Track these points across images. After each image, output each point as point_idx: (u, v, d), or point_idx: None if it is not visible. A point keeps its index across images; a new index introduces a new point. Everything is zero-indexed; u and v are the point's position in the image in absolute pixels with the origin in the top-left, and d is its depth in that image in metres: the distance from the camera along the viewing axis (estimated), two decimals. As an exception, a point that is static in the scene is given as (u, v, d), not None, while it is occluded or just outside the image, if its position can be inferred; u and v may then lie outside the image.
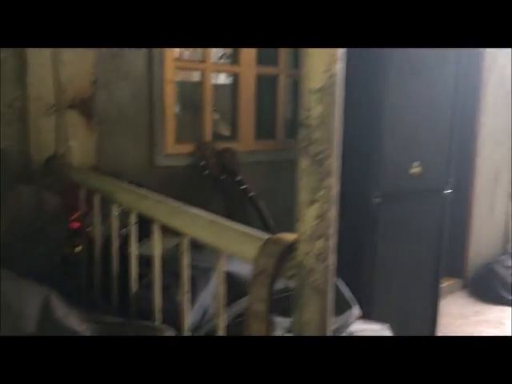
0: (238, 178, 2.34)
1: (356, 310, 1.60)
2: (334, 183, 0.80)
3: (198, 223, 1.12)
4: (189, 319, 1.30)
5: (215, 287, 1.61)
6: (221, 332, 1.12)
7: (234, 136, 2.72)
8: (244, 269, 1.62)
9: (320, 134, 0.77)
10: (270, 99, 2.86)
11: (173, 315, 1.44)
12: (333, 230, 0.81)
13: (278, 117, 2.86)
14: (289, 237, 0.88)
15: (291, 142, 2.87)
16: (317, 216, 0.79)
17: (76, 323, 1.28)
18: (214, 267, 1.66)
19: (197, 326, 1.47)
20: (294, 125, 2.98)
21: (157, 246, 1.35)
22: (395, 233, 2.48)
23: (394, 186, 2.44)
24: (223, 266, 1.09)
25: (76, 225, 1.80)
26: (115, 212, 1.54)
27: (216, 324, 1.53)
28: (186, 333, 1.29)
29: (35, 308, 1.27)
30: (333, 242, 0.82)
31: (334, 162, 0.79)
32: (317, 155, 0.78)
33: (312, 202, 0.79)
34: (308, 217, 0.79)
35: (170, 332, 1.33)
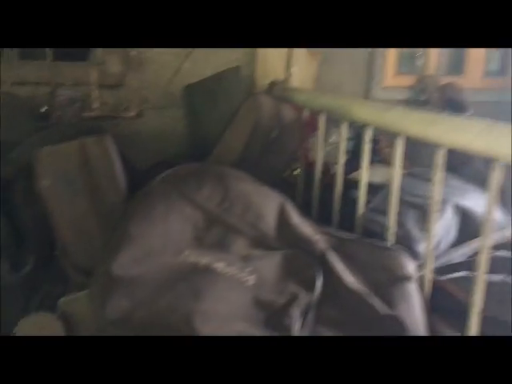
0: (466, 115, 2.08)
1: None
2: None
3: (470, 131, 0.97)
4: (432, 244, 1.19)
5: (450, 221, 1.48)
6: (482, 268, 0.98)
7: (460, 71, 2.43)
8: (480, 205, 1.44)
9: None
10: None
11: (403, 241, 1.35)
12: None
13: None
14: None
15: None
16: None
17: (311, 232, 1.26)
18: (448, 199, 1.52)
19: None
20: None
21: (398, 162, 1.24)
22: None
23: None
24: (498, 180, 0.93)
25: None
26: (344, 131, 1.47)
27: (450, 260, 1.41)
28: (429, 258, 1.17)
29: (273, 211, 1.28)
30: None
31: None
32: None
33: None
34: None
35: (403, 255, 1.23)
